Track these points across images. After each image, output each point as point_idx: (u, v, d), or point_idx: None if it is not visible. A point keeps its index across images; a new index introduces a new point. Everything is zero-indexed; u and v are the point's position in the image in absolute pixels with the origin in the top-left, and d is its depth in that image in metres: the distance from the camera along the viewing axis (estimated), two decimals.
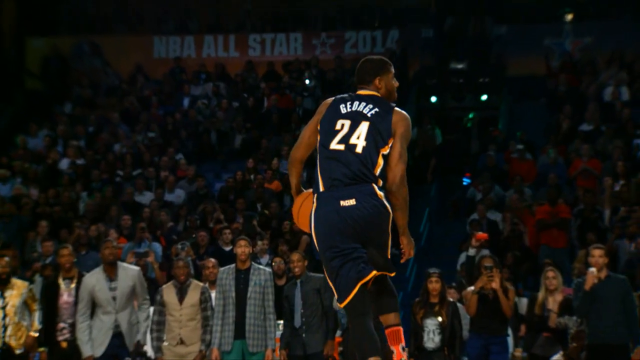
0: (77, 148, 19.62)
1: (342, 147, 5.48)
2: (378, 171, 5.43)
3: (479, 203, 16.41)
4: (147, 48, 24.29)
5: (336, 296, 5.51)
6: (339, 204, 5.38)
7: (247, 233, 13.91)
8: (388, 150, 5.46)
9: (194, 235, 14.92)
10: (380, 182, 5.44)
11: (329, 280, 5.53)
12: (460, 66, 22.73)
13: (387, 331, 5.59)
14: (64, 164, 19.16)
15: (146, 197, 17.28)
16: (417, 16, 23.76)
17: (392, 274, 5.62)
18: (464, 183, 18.99)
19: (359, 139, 5.47)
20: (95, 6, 25.55)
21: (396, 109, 5.61)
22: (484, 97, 22.24)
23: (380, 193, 5.41)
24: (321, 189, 5.49)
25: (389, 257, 5.52)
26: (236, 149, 19.98)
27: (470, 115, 22.34)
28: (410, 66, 22.38)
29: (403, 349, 5.56)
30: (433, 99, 22.22)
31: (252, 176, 17.80)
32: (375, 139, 5.46)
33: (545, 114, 20.42)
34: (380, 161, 5.44)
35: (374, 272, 5.40)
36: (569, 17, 23.40)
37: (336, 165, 5.46)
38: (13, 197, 17.37)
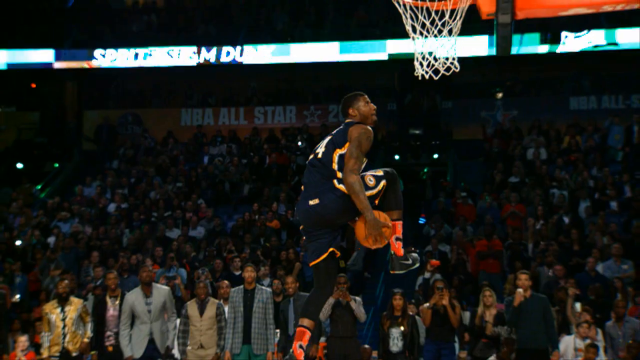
0: (122, 195, 19.59)
1: (312, 156, 5.56)
2: (335, 166, 5.38)
3: (432, 238, 16.39)
4: (176, 118, 24.32)
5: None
6: (308, 203, 5.39)
7: (252, 261, 13.86)
8: (344, 151, 5.39)
9: (211, 263, 14.86)
10: (340, 174, 5.35)
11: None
12: (417, 132, 22.83)
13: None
14: (112, 207, 19.11)
15: (174, 233, 17.20)
16: (384, 93, 23.85)
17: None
18: (421, 222, 18.96)
19: (321, 148, 5.51)
20: (136, 86, 25.69)
21: (356, 124, 5.53)
22: (436, 156, 22.35)
23: (340, 186, 5.33)
24: (302, 188, 5.57)
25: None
26: (244, 196, 19.93)
27: (425, 170, 22.36)
28: (379, 132, 22.45)
29: (397, 239, 5.49)
30: (396, 157, 22.33)
31: (256, 217, 17.76)
32: (333, 145, 5.44)
33: (483, 169, 20.47)
34: (335, 157, 5.39)
35: (330, 250, 5.42)
36: (500, 95, 23.62)
37: (308, 169, 5.52)
38: (72, 233, 17.29)
